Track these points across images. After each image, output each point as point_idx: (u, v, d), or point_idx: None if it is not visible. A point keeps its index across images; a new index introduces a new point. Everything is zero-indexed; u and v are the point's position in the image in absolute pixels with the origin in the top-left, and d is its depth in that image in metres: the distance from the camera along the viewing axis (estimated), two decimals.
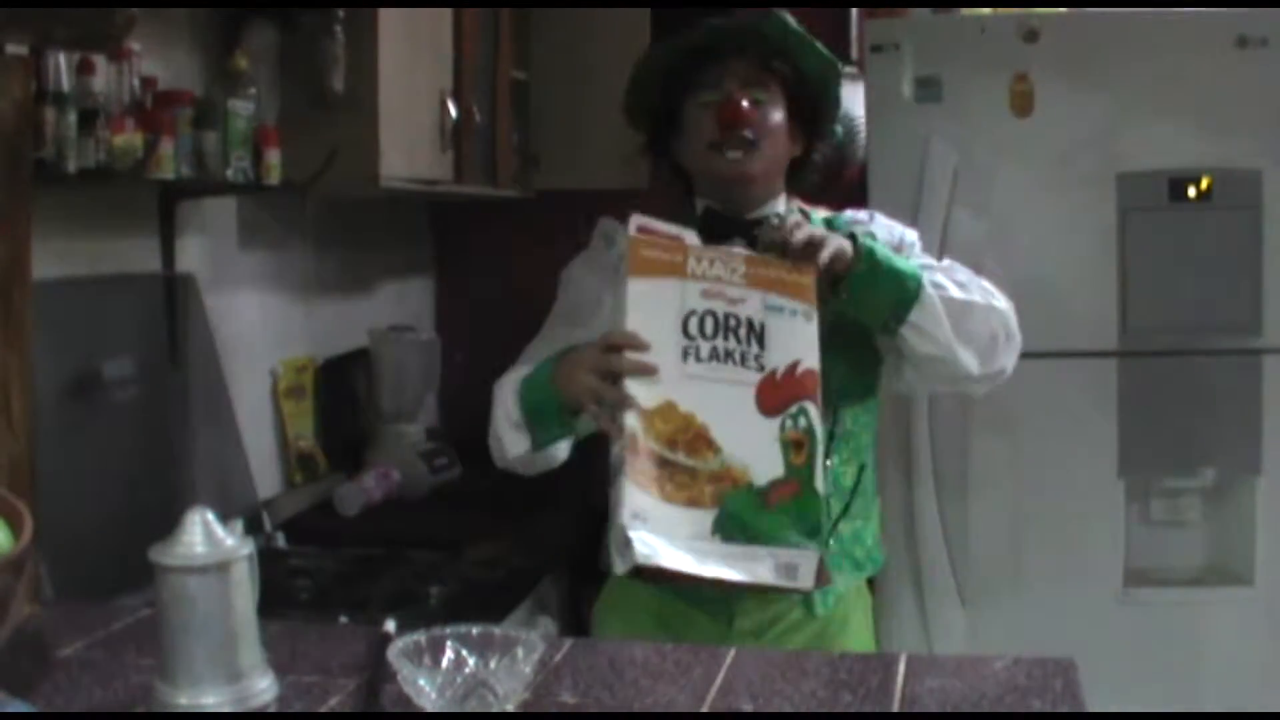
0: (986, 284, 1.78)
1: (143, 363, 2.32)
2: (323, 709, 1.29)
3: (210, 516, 1.27)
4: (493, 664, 1.23)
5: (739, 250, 1.57)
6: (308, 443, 2.95)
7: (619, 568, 1.41)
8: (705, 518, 1.43)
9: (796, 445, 1.47)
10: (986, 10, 3.14)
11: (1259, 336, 2.96)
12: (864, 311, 1.68)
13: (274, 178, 2.39)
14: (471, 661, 1.24)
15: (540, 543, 2.72)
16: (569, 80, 3.35)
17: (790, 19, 1.78)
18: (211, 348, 2.53)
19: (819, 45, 1.80)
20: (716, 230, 1.73)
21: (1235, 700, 2.92)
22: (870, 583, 1.91)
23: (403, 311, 3.48)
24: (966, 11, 3.17)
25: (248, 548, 1.28)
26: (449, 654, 1.24)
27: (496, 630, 1.26)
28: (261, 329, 2.82)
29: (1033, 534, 3.03)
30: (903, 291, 1.65)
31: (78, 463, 2.07)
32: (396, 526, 2.77)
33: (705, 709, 1.28)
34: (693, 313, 1.49)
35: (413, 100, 2.71)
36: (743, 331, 1.49)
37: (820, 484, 1.49)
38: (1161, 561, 3.07)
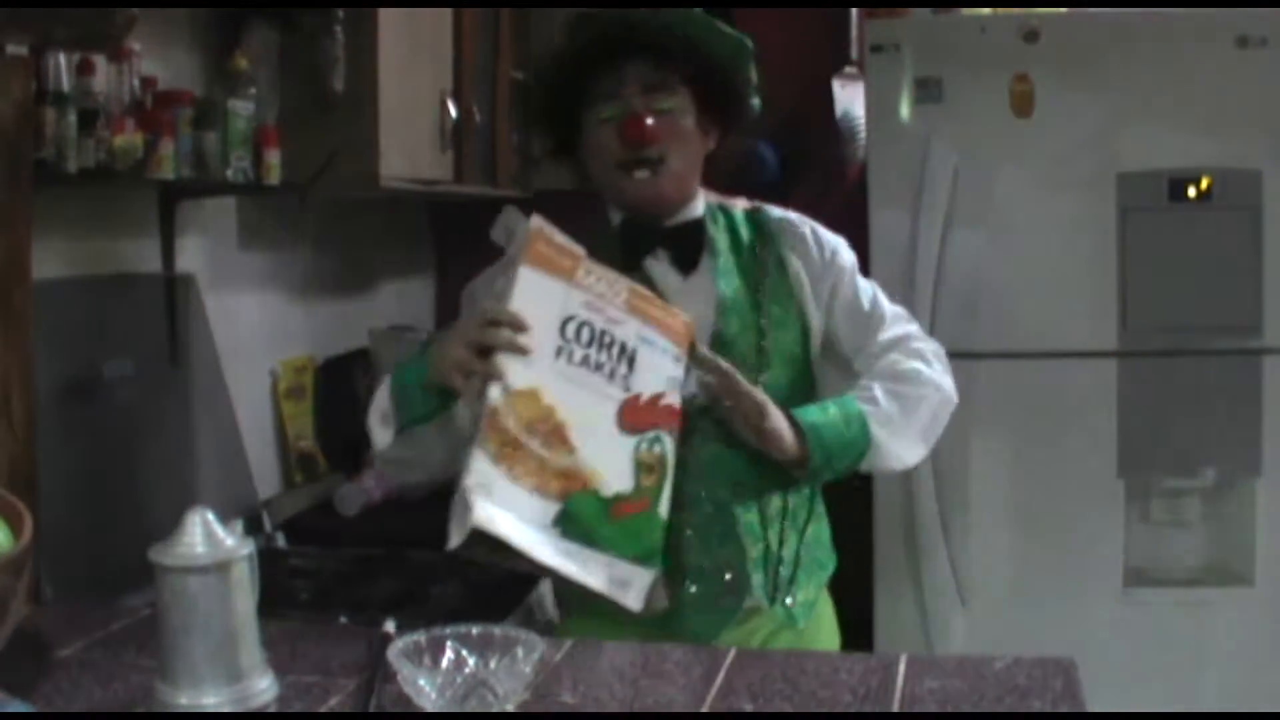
0: (921, 351, 1.73)
1: (143, 363, 2.31)
2: (323, 709, 1.29)
3: (210, 516, 1.27)
4: (493, 664, 1.23)
5: (625, 279, 1.54)
6: (308, 443, 2.95)
7: (454, 539, 1.35)
8: (549, 508, 1.39)
9: (649, 467, 1.45)
10: (986, 10, 3.14)
11: (1259, 336, 2.96)
12: (817, 482, 1.69)
13: (274, 178, 2.39)
14: (471, 661, 1.24)
15: None
16: None
17: (697, 9, 1.65)
18: (211, 348, 2.53)
19: (725, 26, 1.67)
20: (635, 244, 1.69)
21: (1235, 700, 2.92)
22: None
23: (403, 311, 3.48)
24: (966, 11, 3.16)
25: (248, 548, 1.28)
26: (449, 654, 1.24)
27: (496, 630, 1.26)
28: (261, 329, 2.82)
29: (1033, 534, 3.03)
30: (854, 455, 1.64)
31: (78, 463, 2.07)
32: (396, 526, 2.77)
33: (705, 709, 1.28)
34: (573, 318, 1.47)
35: (413, 100, 2.71)
36: (615, 350, 1.48)
37: (665, 510, 1.46)
38: (1161, 561, 3.07)
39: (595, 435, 1.43)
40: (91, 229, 2.23)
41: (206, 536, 1.25)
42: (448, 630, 1.26)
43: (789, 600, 1.72)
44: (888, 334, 1.74)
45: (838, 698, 1.30)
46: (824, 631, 1.81)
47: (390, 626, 1.43)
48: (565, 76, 1.68)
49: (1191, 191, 2.95)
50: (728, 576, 1.68)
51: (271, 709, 1.27)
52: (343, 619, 2.07)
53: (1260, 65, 2.89)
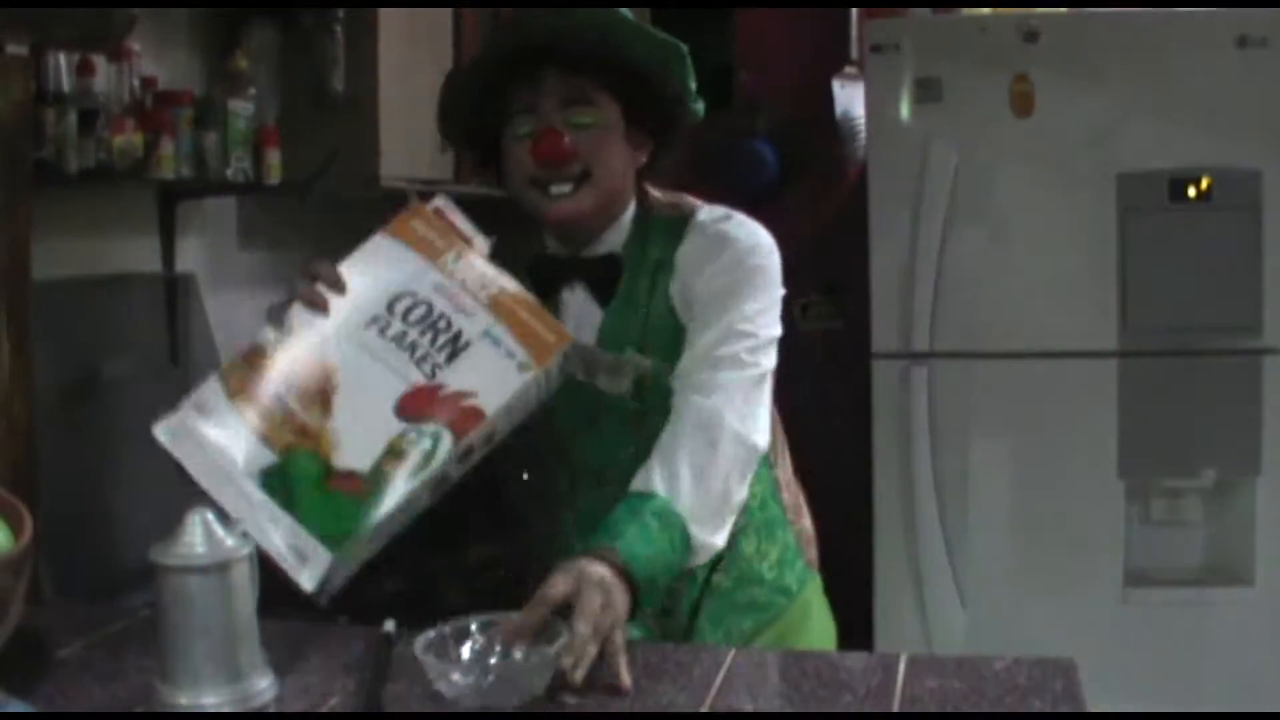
0: (730, 384, 1.48)
1: (143, 363, 2.31)
2: (323, 709, 1.29)
3: (210, 516, 1.27)
4: (517, 655, 1.26)
5: (511, 280, 1.45)
6: None
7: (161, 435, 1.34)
8: (262, 457, 1.33)
9: (398, 454, 1.34)
10: (986, 10, 3.14)
11: (1259, 336, 2.96)
12: None
13: (274, 178, 2.39)
14: (499, 652, 1.27)
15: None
16: None
17: (621, 11, 1.50)
18: (211, 348, 2.53)
19: (653, 31, 1.53)
20: (549, 278, 1.58)
21: (1235, 700, 2.92)
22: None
23: None
24: (966, 11, 3.17)
25: (248, 548, 1.28)
26: (475, 644, 1.29)
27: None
28: (261, 329, 2.82)
29: (1033, 534, 3.03)
30: (678, 570, 1.43)
31: (78, 463, 2.07)
32: None
33: (705, 709, 1.28)
34: (410, 294, 1.43)
35: (413, 100, 2.71)
36: (442, 338, 1.40)
37: (384, 509, 1.31)
38: (1161, 561, 3.07)
39: (362, 410, 1.36)
40: (91, 229, 2.23)
41: (206, 536, 1.25)
42: (472, 621, 1.29)
43: None
44: (717, 347, 1.50)
45: (838, 698, 1.30)
46: (813, 631, 1.71)
47: (390, 626, 1.43)
48: (483, 88, 1.56)
49: (1191, 191, 2.95)
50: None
51: (271, 709, 1.27)
52: (342, 619, 2.07)
53: (1260, 65, 2.89)
